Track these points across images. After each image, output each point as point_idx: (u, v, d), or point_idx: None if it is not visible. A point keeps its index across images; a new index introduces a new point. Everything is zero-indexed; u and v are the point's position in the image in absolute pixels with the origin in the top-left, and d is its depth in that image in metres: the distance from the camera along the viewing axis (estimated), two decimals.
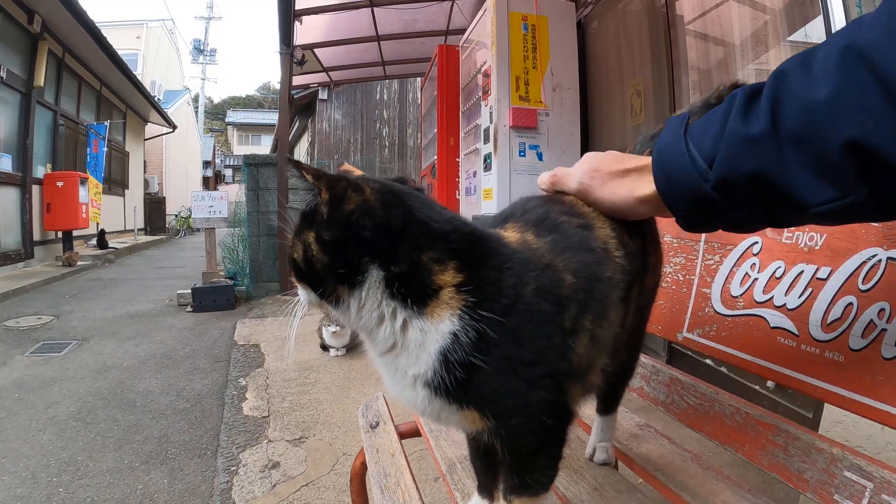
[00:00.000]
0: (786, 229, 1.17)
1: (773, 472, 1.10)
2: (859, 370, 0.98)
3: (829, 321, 1.04)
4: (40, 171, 10.76)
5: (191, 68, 53.28)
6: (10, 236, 9.43)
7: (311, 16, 7.40)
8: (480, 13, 5.37)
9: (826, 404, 2.11)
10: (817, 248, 1.09)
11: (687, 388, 1.36)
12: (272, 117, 38.52)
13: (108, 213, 14.31)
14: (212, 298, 6.59)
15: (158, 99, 21.04)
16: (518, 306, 0.75)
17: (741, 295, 1.25)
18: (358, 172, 0.87)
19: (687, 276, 1.44)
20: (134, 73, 15.13)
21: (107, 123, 13.68)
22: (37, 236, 10.28)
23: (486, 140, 4.90)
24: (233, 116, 49.06)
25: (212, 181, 37.50)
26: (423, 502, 1.08)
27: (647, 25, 4.51)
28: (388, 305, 0.76)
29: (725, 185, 0.74)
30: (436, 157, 6.87)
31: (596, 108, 5.33)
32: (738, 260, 1.28)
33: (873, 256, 0.99)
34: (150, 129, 20.68)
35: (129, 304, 6.96)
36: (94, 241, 12.95)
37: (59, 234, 10.96)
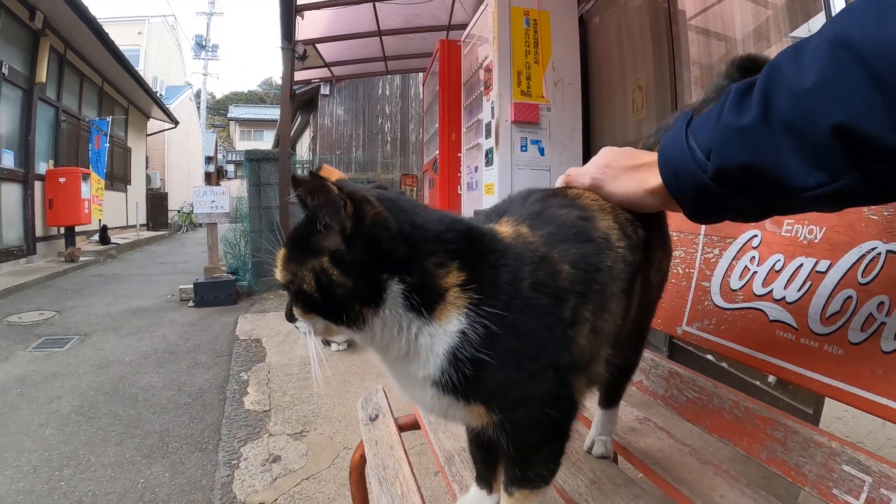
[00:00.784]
0: (785, 223, 1.17)
1: (772, 467, 1.10)
2: (858, 364, 0.98)
3: (828, 314, 1.04)
4: (42, 167, 10.76)
5: (193, 64, 53.51)
6: (12, 232, 9.45)
7: (313, 11, 7.38)
8: (482, 8, 5.37)
9: (826, 400, 2.12)
10: (816, 241, 1.09)
11: (686, 381, 1.36)
12: (274, 113, 38.47)
13: (111, 208, 14.30)
14: (213, 293, 6.60)
15: (160, 94, 21.01)
16: (516, 301, 0.76)
17: (740, 288, 1.25)
18: (338, 175, 0.85)
19: (686, 270, 1.44)
20: (136, 68, 15.11)
21: (109, 119, 13.66)
22: (39, 232, 10.30)
23: (488, 135, 4.90)
24: (235, 112, 49.01)
25: (214, 177, 37.51)
26: (422, 494, 1.08)
27: (649, 20, 4.50)
28: (405, 318, 0.75)
29: (722, 176, 0.77)
30: (437, 152, 6.87)
31: (597, 104, 5.32)
32: (737, 253, 1.27)
33: (872, 249, 0.98)
34: (153, 124, 20.67)
35: (132, 300, 6.97)
36: (96, 237, 12.95)
37: (62, 230, 10.97)
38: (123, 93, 16.23)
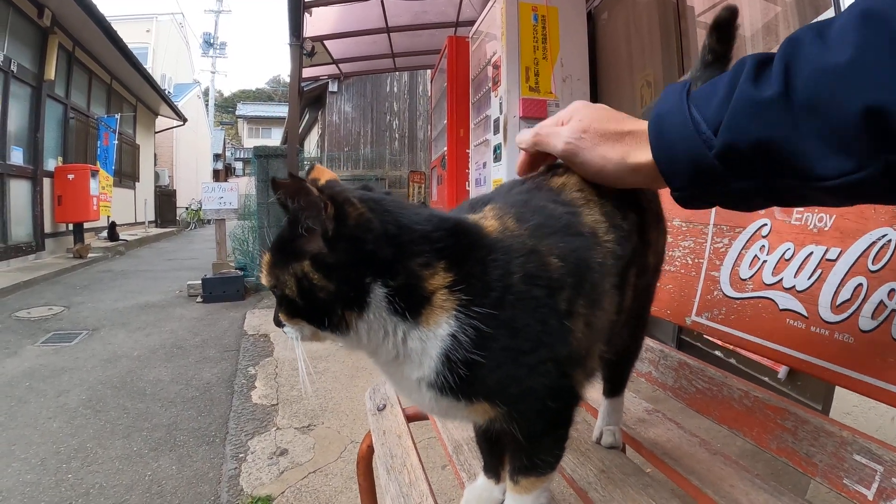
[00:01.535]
0: (795, 211, 1.15)
1: (782, 457, 1.09)
2: (869, 352, 0.97)
3: (838, 302, 1.03)
4: (51, 164, 10.81)
5: (201, 62, 53.57)
6: (21, 229, 9.49)
7: (321, 7, 7.38)
8: (490, 4, 5.36)
9: (835, 396, 2.11)
10: (826, 228, 1.08)
11: (695, 372, 1.35)
12: (282, 110, 38.52)
13: (119, 205, 14.36)
14: (222, 289, 6.61)
15: (168, 92, 21.06)
16: (508, 296, 0.73)
17: (750, 277, 1.24)
18: (329, 175, 0.83)
19: (696, 260, 1.43)
20: (144, 66, 15.17)
21: (117, 116, 13.73)
22: (48, 229, 10.35)
23: (496, 131, 4.90)
24: (243, 109, 49.07)
25: (222, 174, 37.51)
26: (430, 483, 1.08)
27: (657, 16, 4.49)
28: (390, 322, 0.74)
29: (730, 154, 0.69)
30: (446, 148, 6.86)
31: (606, 99, 5.30)
32: (747, 242, 1.26)
33: (883, 236, 0.97)
34: (161, 122, 20.74)
35: (140, 295, 7.00)
36: (104, 234, 13.01)
37: (70, 227, 11.01)
38: (132, 90, 16.30)
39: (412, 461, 1.16)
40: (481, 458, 1.01)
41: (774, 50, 0.65)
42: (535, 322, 0.74)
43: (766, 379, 2.90)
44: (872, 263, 0.98)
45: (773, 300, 1.17)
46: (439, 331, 0.72)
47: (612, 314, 0.88)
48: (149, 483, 2.55)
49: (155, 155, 20.80)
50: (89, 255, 10.34)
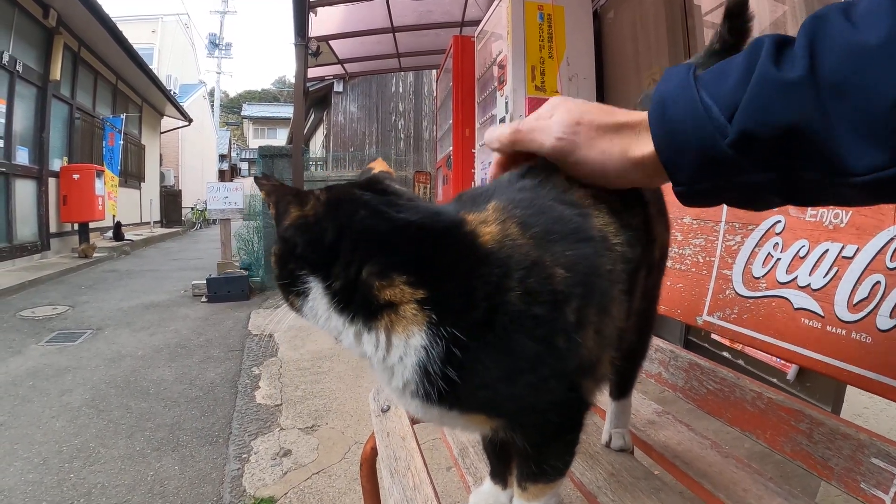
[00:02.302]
0: (809, 207, 1.12)
1: (797, 460, 1.06)
2: (887, 351, 0.94)
3: (855, 301, 1.00)
4: (56, 163, 10.84)
5: (206, 62, 53.48)
6: (26, 228, 9.51)
7: (326, 7, 7.37)
8: (496, 3, 5.34)
9: (846, 397, 2.08)
10: (842, 225, 1.05)
11: (707, 373, 1.32)
12: (288, 111, 38.58)
13: (125, 205, 14.38)
14: (226, 289, 6.61)
15: (174, 93, 21.14)
16: (499, 316, 0.67)
17: (763, 276, 1.21)
18: (381, 166, 0.86)
19: (707, 258, 1.40)
20: (149, 66, 15.21)
21: (123, 117, 13.74)
22: (53, 228, 10.37)
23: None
24: (248, 110, 49.22)
25: (227, 174, 37.65)
26: (434, 486, 1.05)
27: (664, 14, 4.46)
28: (336, 317, 0.72)
29: (748, 142, 0.60)
30: (451, 148, 6.85)
31: (612, 98, 5.28)
32: (760, 240, 1.23)
33: None
34: (166, 122, 20.80)
35: (145, 295, 7.00)
36: (110, 234, 13.04)
37: (76, 227, 11.02)
38: (137, 91, 16.34)
39: (416, 464, 1.14)
40: (488, 463, 0.99)
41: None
42: (535, 342, 0.69)
43: (775, 380, 2.87)
44: (891, 261, 0.95)
45: (787, 299, 1.14)
46: (412, 341, 0.68)
47: (622, 320, 0.83)
48: (151, 483, 2.54)
49: (160, 155, 20.86)
50: (94, 254, 10.35)
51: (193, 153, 27.70)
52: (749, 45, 0.64)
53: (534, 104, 4.60)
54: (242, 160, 43.55)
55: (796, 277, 1.13)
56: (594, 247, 0.77)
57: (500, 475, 0.95)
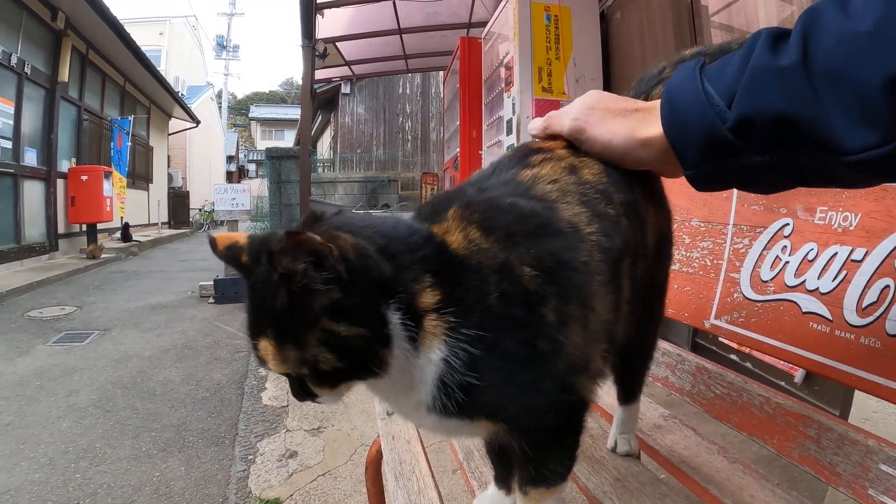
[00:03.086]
0: (818, 210, 1.11)
1: (805, 466, 1.05)
2: None
3: (864, 305, 0.99)
4: (65, 165, 10.87)
5: (214, 64, 53.71)
6: (34, 229, 9.54)
7: (333, 9, 7.39)
8: (502, 5, 5.35)
9: (854, 402, 2.06)
10: (852, 228, 1.04)
11: (714, 377, 1.31)
12: (295, 112, 38.65)
13: (133, 206, 14.43)
14: (234, 290, 6.60)
15: (182, 94, 21.18)
16: (489, 319, 0.67)
17: (772, 279, 1.20)
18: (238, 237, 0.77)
19: (715, 261, 1.39)
20: (157, 68, 15.24)
21: (131, 118, 13.79)
22: (61, 229, 10.40)
23: (509, 132, 4.89)
24: (256, 112, 49.27)
25: (235, 176, 37.75)
26: (439, 490, 1.05)
27: (671, 15, 4.45)
28: (407, 349, 0.67)
29: (745, 127, 0.65)
30: (458, 149, 6.85)
31: None
32: (768, 243, 1.22)
33: None
34: (174, 124, 20.84)
35: (152, 296, 7.01)
36: (118, 235, 13.06)
37: (84, 228, 11.05)
38: (145, 92, 16.38)
39: (421, 468, 1.13)
40: (492, 467, 0.98)
41: None
42: (520, 343, 0.69)
43: (783, 384, 2.85)
44: None
45: (795, 303, 1.13)
46: (432, 355, 0.67)
47: (609, 312, 0.82)
48: (157, 484, 2.54)
49: (168, 156, 20.91)
50: (102, 255, 10.37)
51: (201, 155, 27.75)
52: (748, 38, 0.68)
53: (541, 105, 4.60)
54: (250, 162, 43.64)
55: (805, 281, 1.12)
56: (564, 240, 0.76)
57: (503, 480, 0.95)
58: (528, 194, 0.81)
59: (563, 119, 0.91)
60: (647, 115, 0.82)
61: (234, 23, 40.24)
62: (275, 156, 7.62)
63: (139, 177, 16.32)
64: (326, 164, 18.86)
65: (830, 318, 1.05)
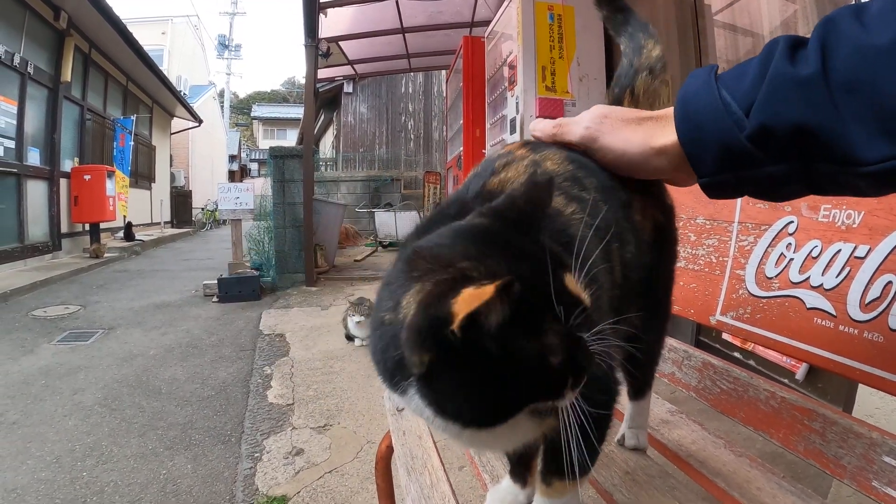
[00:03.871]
0: (822, 207, 1.13)
1: (810, 459, 1.07)
2: None
3: (867, 301, 1.01)
4: (68, 164, 10.90)
5: (216, 63, 53.64)
6: (38, 228, 9.56)
7: (336, 8, 7.40)
8: (506, 4, 5.35)
9: (857, 398, 2.08)
10: (855, 225, 1.05)
11: (720, 373, 1.33)
12: (297, 111, 38.63)
13: (135, 206, 14.44)
14: (237, 289, 6.63)
15: (184, 94, 21.18)
16: None
17: (776, 276, 1.22)
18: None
19: (720, 258, 1.40)
20: (160, 68, 15.26)
21: (133, 118, 13.80)
22: (64, 228, 10.43)
23: (513, 131, 4.89)
24: (258, 111, 49.22)
25: (238, 175, 37.75)
26: (452, 485, 1.06)
27: (675, 15, 4.45)
28: None
29: (764, 136, 0.65)
30: (462, 148, 6.85)
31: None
32: (772, 240, 1.24)
33: None
34: (177, 123, 20.85)
35: (156, 295, 7.02)
36: (121, 234, 13.09)
37: (87, 227, 11.07)
38: (148, 92, 16.40)
39: (433, 462, 1.15)
40: (506, 461, 0.99)
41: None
42: None
43: (786, 381, 2.87)
44: None
45: (800, 299, 1.15)
46: None
47: (612, 288, 0.83)
48: (164, 482, 2.55)
49: (171, 156, 20.91)
50: (105, 254, 10.39)
51: (203, 154, 27.77)
52: (765, 46, 0.67)
53: (544, 105, 4.61)
54: (252, 161, 43.57)
55: (809, 277, 1.13)
56: (557, 221, 0.78)
57: (519, 474, 0.95)
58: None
59: (575, 127, 0.90)
60: (661, 123, 0.81)
61: (236, 22, 40.35)
62: (278, 155, 7.63)
63: (142, 176, 16.34)
64: (329, 164, 18.86)
65: (834, 313, 1.07)
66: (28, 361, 4.26)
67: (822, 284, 1.10)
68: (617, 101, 1.07)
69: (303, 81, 7.94)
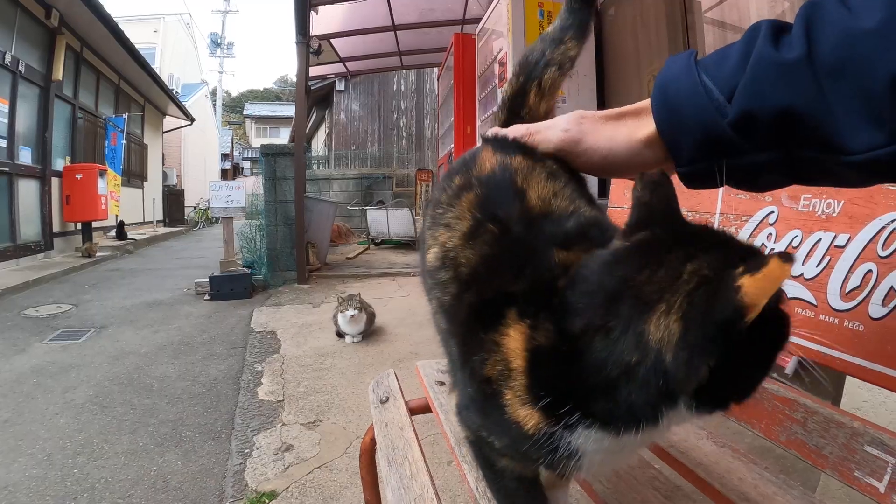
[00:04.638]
0: (802, 197, 1.13)
1: (792, 449, 1.07)
2: (880, 339, 0.95)
3: (847, 290, 1.01)
4: (59, 163, 10.84)
5: (208, 62, 53.54)
6: (30, 228, 9.53)
7: (328, 6, 7.40)
8: (496, 1, 5.35)
9: (844, 391, 2.08)
10: (835, 214, 1.06)
11: None
12: (290, 110, 38.54)
13: (128, 205, 14.41)
14: (229, 287, 6.61)
15: (176, 92, 21.14)
16: None
17: None
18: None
19: None
20: (152, 66, 15.23)
21: (125, 116, 13.77)
22: (56, 228, 10.39)
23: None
24: (251, 109, 49.17)
25: (230, 173, 37.66)
26: (431, 475, 1.06)
27: (664, 11, 4.46)
28: None
29: (747, 122, 0.62)
30: (453, 146, 6.86)
31: (613, 95, 5.28)
32: (753, 230, 1.24)
33: (893, 221, 0.95)
34: (169, 121, 20.78)
35: (148, 293, 7.00)
36: (113, 233, 13.06)
37: (79, 226, 11.03)
38: (140, 90, 16.35)
39: (414, 453, 1.15)
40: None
41: None
42: None
43: (774, 375, 2.87)
44: (882, 249, 0.96)
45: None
46: None
47: None
48: (154, 478, 2.55)
49: (163, 154, 20.86)
50: (98, 253, 10.35)
51: (196, 152, 27.68)
52: (748, 30, 0.65)
53: None
54: (245, 159, 43.53)
55: None
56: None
57: None
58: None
59: (550, 132, 0.84)
60: (639, 115, 0.77)
61: (228, 20, 40.40)
62: (270, 153, 7.62)
63: (134, 175, 16.27)
64: (321, 161, 18.86)
65: (815, 303, 1.07)
66: (20, 360, 4.24)
67: (802, 274, 1.11)
68: (521, 91, 1.02)
69: (295, 79, 7.92)
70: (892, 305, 0.93)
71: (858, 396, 2.06)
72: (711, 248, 0.58)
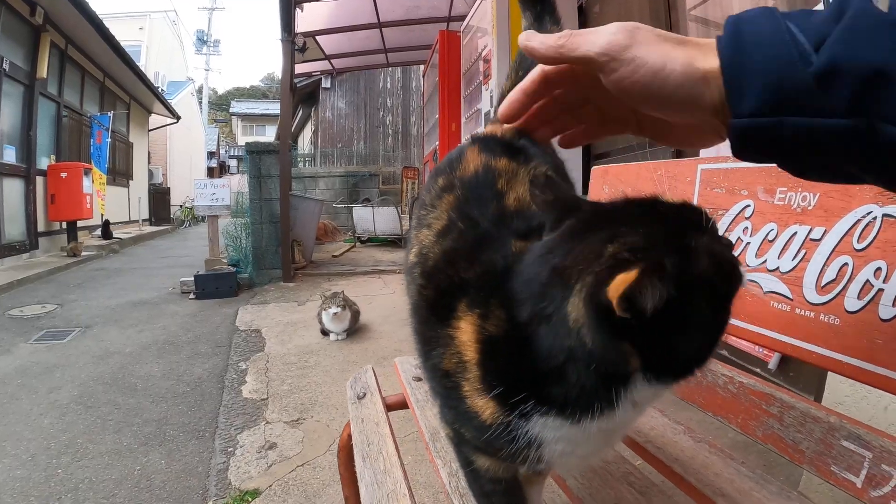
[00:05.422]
0: (778, 190, 1.13)
1: (768, 444, 1.07)
2: (856, 333, 0.94)
3: (823, 283, 1.01)
4: (44, 162, 10.78)
5: (194, 59, 53.18)
6: (14, 227, 9.46)
7: (313, 3, 7.38)
8: None
9: (826, 386, 2.09)
10: (810, 207, 1.05)
11: None
12: (276, 107, 38.13)
13: (113, 203, 14.31)
14: (214, 285, 6.59)
15: (162, 90, 21.06)
16: None
17: None
18: None
19: None
20: (137, 64, 15.16)
21: (110, 114, 13.66)
22: (41, 227, 10.32)
23: (488, 124, 4.89)
24: (237, 107, 48.96)
25: (216, 172, 37.54)
26: (405, 470, 1.06)
27: (648, 9, 4.47)
28: None
29: (834, 76, 0.50)
30: (438, 142, 6.86)
31: None
32: (729, 224, 1.24)
33: (868, 214, 0.94)
34: (154, 119, 20.68)
35: (133, 293, 6.97)
36: (98, 232, 12.98)
37: (64, 225, 10.97)
38: (125, 88, 16.27)
39: (388, 448, 1.14)
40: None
41: None
42: None
43: (758, 370, 2.88)
44: (857, 242, 0.96)
45: (756, 282, 1.15)
46: None
47: None
48: (138, 477, 2.54)
49: (149, 153, 20.75)
50: (83, 253, 10.30)
51: (182, 151, 27.57)
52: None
53: None
54: (231, 157, 43.33)
55: (766, 261, 1.13)
56: None
57: None
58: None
59: (594, 36, 0.65)
60: (701, 47, 0.61)
61: (214, 17, 40.14)
62: (255, 150, 7.58)
63: (119, 173, 16.19)
64: (307, 159, 18.83)
65: (791, 296, 1.07)
66: (4, 361, 4.22)
67: (778, 268, 1.10)
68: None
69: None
70: (867, 299, 0.93)
71: (840, 392, 2.07)
72: (639, 227, 0.56)
